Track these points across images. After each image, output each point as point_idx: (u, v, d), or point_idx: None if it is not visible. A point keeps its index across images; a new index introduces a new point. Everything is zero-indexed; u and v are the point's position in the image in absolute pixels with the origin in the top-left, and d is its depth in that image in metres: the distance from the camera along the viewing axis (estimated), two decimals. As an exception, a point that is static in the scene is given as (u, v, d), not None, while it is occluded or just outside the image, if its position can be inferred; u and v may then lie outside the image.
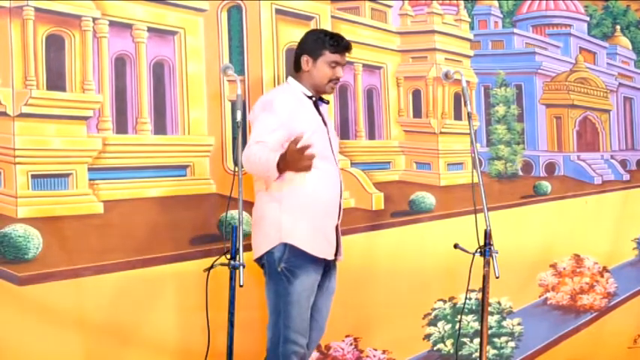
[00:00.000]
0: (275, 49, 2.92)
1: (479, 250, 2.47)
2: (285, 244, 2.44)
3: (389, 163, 3.21)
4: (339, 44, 2.54)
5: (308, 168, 2.33)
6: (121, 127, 2.70)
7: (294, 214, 2.46)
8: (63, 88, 2.59)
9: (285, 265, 2.45)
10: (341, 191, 2.55)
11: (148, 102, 2.74)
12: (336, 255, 2.55)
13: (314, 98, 2.55)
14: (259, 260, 2.49)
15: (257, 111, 2.48)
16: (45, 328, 2.52)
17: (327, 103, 2.63)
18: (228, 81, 2.80)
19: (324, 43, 2.52)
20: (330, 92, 2.57)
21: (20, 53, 2.51)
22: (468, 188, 2.66)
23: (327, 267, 2.55)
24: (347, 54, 2.56)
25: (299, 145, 2.26)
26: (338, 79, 2.53)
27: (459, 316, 3.10)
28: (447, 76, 2.63)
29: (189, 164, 2.82)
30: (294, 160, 2.28)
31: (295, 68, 2.55)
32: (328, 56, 2.52)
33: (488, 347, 2.59)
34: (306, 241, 2.46)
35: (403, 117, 3.24)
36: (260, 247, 2.48)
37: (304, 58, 2.53)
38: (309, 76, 2.52)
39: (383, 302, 3.07)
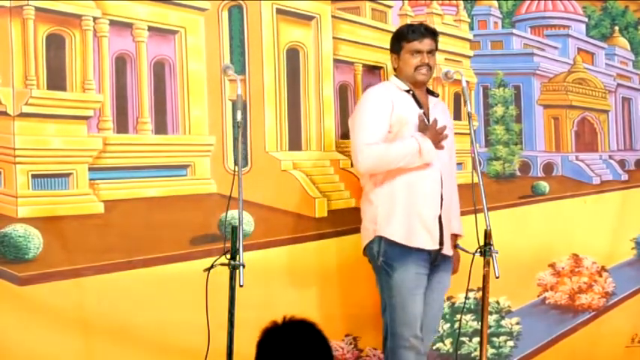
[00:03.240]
0: (276, 49, 2.92)
1: (479, 250, 2.47)
2: (381, 238, 2.59)
3: (389, 162, 3.21)
4: (415, 31, 2.64)
5: (439, 146, 2.56)
6: (122, 126, 2.69)
7: (388, 208, 2.59)
8: (63, 88, 2.59)
9: (383, 258, 2.60)
10: (442, 181, 2.61)
11: (148, 101, 2.74)
12: (441, 246, 2.61)
13: (411, 92, 2.65)
14: (364, 254, 2.69)
15: (354, 113, 2.72)
16: (45, 328, 2.52)
17: (437, 95, 2.75)
18: (229, 80, 2.80)
19: (400, 35, 2.68)
20: (422, 79, 2.65)
21: (20, 53, 2.50)
22: (467, 188, 2.67)
23: (435, 260, 2.62)
24: (429, 39, 2.63)
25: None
26: (425, 65, 2.61)
27: (457, 316, 3.11)
28: (447, 76, 2.64)
29: (190, 164, 2.81)
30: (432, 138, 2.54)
31: (394, 69, 2.73)
32: (407, 46, 2.64)
33: (487, 346, 2.59)
34: (400, 232, 2.58)
35: (403, 117, 3.24)
36: (362, 241, 2.67)
37: (392, 57, 2.71)
38: (400, 71, 2.68)
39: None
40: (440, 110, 2.71)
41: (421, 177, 2.61)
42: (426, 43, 2.63)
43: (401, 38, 2.67)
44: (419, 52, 2.62)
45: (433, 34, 2.67)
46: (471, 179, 2.52)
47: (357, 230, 3.01)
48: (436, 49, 2.70)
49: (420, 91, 2.68)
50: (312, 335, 1.76)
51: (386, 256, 2.60)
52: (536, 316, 3.36)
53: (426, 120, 2.63)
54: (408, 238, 2.60)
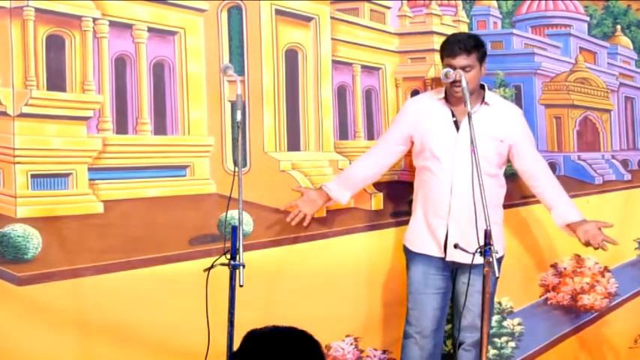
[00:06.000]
0: (275, 50, 2.93)
1: (479, 250, 2.46)
2: None
3: (389, 163, 3.21)
4: (448, 47, 2.71)
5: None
6: (121, 127, 2.70)
7: (414, 210, 2.86)
8: (63, 89, 2.60)
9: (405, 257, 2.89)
10: (452, 191, 2.70)
11: (148, 102, 2.75)
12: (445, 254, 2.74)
13: (444, 101, 2.77)
14: None
15: None
16: (44, 328, 2.53)
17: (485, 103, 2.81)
18: (228, 81, 2.80)
19: (441, 47, 2.77)
20: (455, 94, 2.71)
21: (20, 53, 2.52)
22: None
23: (458, 267, 2.74)
24: (463, 56, 2.67)
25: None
26: (457, 81, 2.62)
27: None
28: (446, 76, 2.63)
29: (189, 164, 2.82)
30: None
31: None
32: (444, 60, 2.73)
33: (488, 347, 2.58)
34: (409, 237, 2.86)
35: (402, 117, 3.24)
36: None
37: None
38: None
39: (383, 302, 3.07)
40: (478, 119, 2.64)
41: (431, 185, 2.76)
42: (458, 60, 2.67)
43: (440, 50, 2.76)
44: (452, 67, 2.65)
45: (468, 50, 2.68)
46: (471, 179, 2.50)
47: (355, 230, 3.02)
48: (480, 60, 2.73)
49: (463, 101, 2.67)
50: (302, 343, 1.71)
51: (405, 256, 2.88)
52: (538, 316, 3.35)
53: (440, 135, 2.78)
54: (411, 241, 2.86)
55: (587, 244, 2.80)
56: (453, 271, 2.81)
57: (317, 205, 2.84)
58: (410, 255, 2.84)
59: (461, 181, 2.67)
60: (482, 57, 2.76)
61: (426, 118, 2.81)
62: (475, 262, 2.52)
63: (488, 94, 2.86)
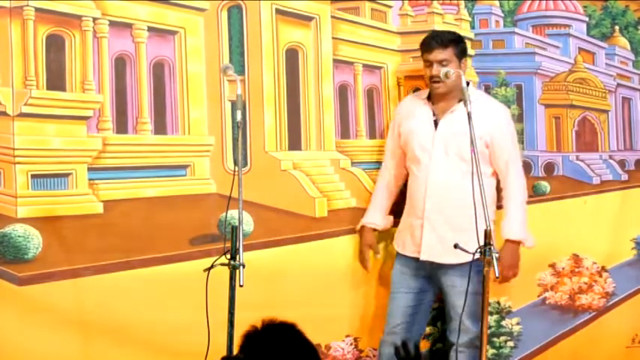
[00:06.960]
0: (275, 49, 2.92)
1: (479, 250, 2.46)
2: None
3: (390, 162, 3.21)
4: (425, 43, 2.72)
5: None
6: (121, 127, 2.69)
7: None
8: (63, 88, 2.59)
9: None
10: (426, 189, 2.70)
11: (148, 102, 2.74)
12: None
13: (426, 100, 2.77)
14: None
15: None
16: (44, 328, 2.53)
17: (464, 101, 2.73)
18: (228, 81, 2.80)
19: (420, 47, 2.78)
20: (434, 91, 2.75)
21: (20, 53, 2.51)
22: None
23: (438, 267, 2.73)
24: (439, 50, 2.67)
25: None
26: (434, 76, 2.65)
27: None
28: (446, 75, 2.63)
29: (189, 164, 2.82)
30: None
31: None
32: (423, 57, 2.74)
33: (487, 347, 2.59)
34: (395, 237, 2.90)
35: (403, 116, 3.24)
36: None
37: None
38: None
39: (383, 302, 3.07)
40: (456, 118, 2.68)
41: (412, 185, 2.79)
42: (435, 54, 2.68)
43: (420, 47, 2.78)
44: (430, 62, 2.67)
45: (445, 44, 2.69)
46: (471, 179, 2.51)
47: (356, 230, 3.02)
48: (458, 55, 2.73)
49: (444, 99, 2.71)
50: (295, 339, 1.74)
51: None
52: (536, 316, 3.36)
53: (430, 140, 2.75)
54: (396, 242, 2.91)
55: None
56: (431, 271, 2.81)
57: (374, 241, 2.95)
58: (396, 255, 2.90)
59: (435, 180, 2.70)
60: (460, 53, 2.76)
61: (409, 118, 2.84)
62: (456, 262, 2.57)
63: (471, 92, 2.83)
